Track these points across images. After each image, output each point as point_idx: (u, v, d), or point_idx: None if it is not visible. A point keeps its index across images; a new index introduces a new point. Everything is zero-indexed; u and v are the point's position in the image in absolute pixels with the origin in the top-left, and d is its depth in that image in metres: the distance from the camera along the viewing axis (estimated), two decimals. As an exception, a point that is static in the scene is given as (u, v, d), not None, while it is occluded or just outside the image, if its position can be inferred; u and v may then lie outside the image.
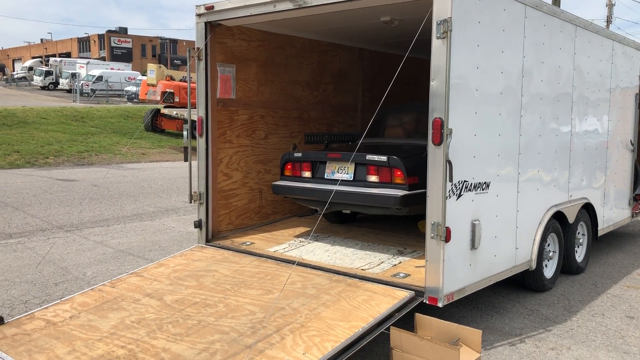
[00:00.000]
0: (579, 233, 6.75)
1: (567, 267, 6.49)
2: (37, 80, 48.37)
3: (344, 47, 8.00)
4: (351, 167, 5.66)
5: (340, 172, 5.74)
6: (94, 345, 3.98)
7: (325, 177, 5.85)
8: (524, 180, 5.37)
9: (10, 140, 19.10)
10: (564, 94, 5.99)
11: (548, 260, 6.07)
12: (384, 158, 5.35)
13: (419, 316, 4.19)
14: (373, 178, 5.49)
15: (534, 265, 5.58)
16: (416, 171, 5.30)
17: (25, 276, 6.39)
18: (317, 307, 4.32)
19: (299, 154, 6.05)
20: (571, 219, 6.32)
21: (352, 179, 5.63)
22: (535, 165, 5.54)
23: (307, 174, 6.00)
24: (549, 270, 6.06)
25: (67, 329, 4.27)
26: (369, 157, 5.44)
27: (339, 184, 5.58)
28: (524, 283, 5.93)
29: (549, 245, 6.03)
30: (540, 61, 5.48)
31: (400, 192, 5.22)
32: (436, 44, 4.21)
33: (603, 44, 6.84)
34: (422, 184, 5.22)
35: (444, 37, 4.15)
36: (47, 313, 4.59)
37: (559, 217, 6.08)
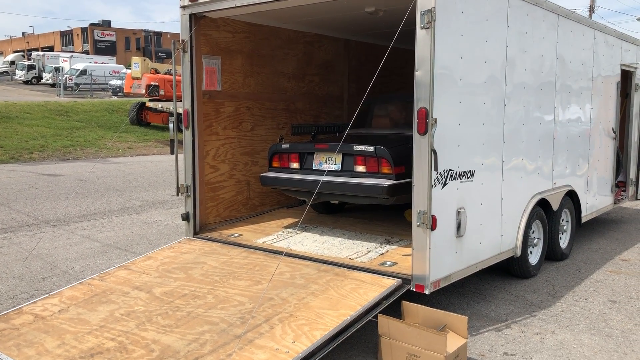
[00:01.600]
0: (563, 220, 6.85)
1: (552, 253, 6.60)
2: (20, 74, 47.72)
3: (330, 38, 8.01)
4: (338, 158, 5.71)
5: (328, 163, 5.78)
6: (84, 338, 3.99)
7: (313, 168, 5.89)
8: (509, 169, 5.44)
9: (-7, 135, 18.89)
10: (547, 82, 6.06)
11: (533, 247, 6.16)
12: (370, 148, 5.39)
13: (405, 304, 4.24)
14: (360, 168, 5.54)
15: (519, 252, 5.66)
16: (403, 161, 5.34)
17: (13, 271, 6.36)
18: (306, 296, 4.36)
19: (287, 145, 6.06)
20: (555, 206, 6.41)
21: (339, 169, 5.67)
22: (519, 153, 5.61)
23: (295, 165, 6.03)
24: (533, 257, 6.16)
25: (56, 323, 4.27)
26: (356, 147, 5.48)
27: (327, 175, 5.62)
28: (509, 269, 6.02)
29: (533, 232, 6.12)
30: (524, 50, 5.53)
31: (388, 182, 5.27)
32: (420, 34, 4.24)
33: (585, 33, 6.92)
34: (409, 173, 5.24)
35: (428, 28, 4.19)
36: (35, 307, 4.59)
37: (543, 204, 6.17)
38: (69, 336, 4.03)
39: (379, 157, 5.37)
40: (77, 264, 6.65)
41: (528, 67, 5.65)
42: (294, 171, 6.03)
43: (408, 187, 5.22)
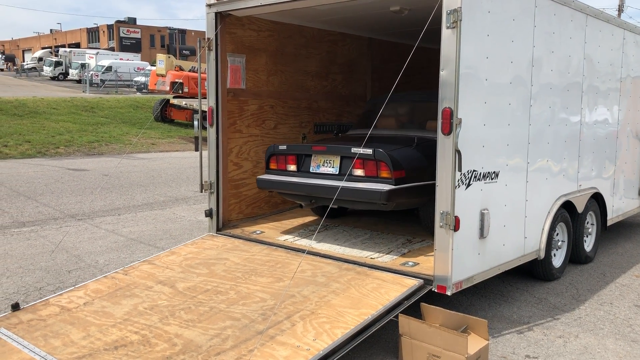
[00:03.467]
0: (587, 222, 6.76)
1: (576, 256, 6.51)
2: (47, 70, 48.61)
3: (353, 37, 8.01)
4: (337, 161, 5.48)
5: (326, 166, 5.55)
6: (108, 330, 4.06)
7: (311, 170, 5.65)
8: (533, 170, 5.39)
9: (21, 130, 19.26)
10: (574, 83, 5.98)
11: (557, 250, 6.08)
12: (369, 151, 5.13)
13: (424, 306, 4.23)
14: (359, 172, 5.28)
15: (542, 255, 5.60)
16: (404, 164, 5.15)
17: (39, 264, 6.49)
18: (327, 294, 4.38)
19: (284, 147, 5.82)
20: (580, 208, 6.32)
21: (337, 172, 5.44)
22: (544, 155, 5.55)
23: (293, 167, 5.80)
24: (557, 260, 6.08)
25: (81, 315, 4.35)
26: (354, 149, 5.24)
27: (324, 178, 5.45)
28: (532, 272, 5.96)
29: (557, 234, 6.05)
30: (550, 51, 5.47)
31: (386, 187, 5.02)
32: (446, 34, 4.22)
33: (614, 33, 6.81)
34: (411, 177, 5.17)
35: (454, 27, 4.16)
36: (61, 299, 4.68)
37: (568, 206, 6.09)
38: (93, 328, 4.11)
39: (378, 160, 5.11)
40: (101, 258, 6.76)
41: (555, 68, 5.58)
42: (291, 174, 5.78)
43: (409, 192, 5.16)
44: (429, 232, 5.52)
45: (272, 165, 5.99)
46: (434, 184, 5.16)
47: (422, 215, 5.68)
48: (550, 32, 5.42)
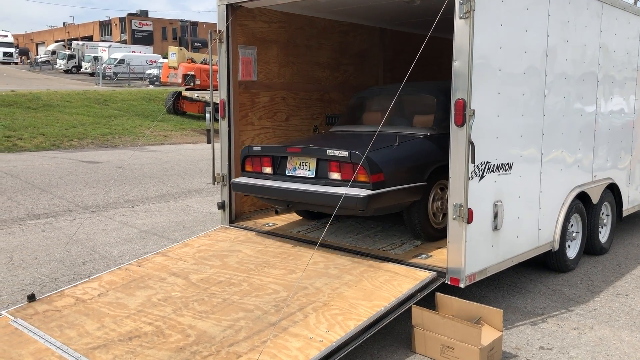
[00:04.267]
0: (603, 214, 6.69)
1: (591, 247, 6.45)
2: (60, 63, 48.94)
3: (365, 27, 7.96)
4: (313, 163, 5.08)
5: (302, 169, 5.15)
6: (122, 322, 4.09)
7: (287, 173, 5.27)
8: (548, 161, 5.33)
9: (35, 123, 19.44)
10: (589, 73, 5.90)
11: (571, 241, 6.03)
12: (345, 153, 4.73)
13: (439, 295, 4.22)
14: (335, 175, 4.91)
15: (556, 246, 5.56)
16: (384, 167, 4.77)
17: (54, 255, 6.56)
18: (340, 286, 4.38)
19: (258, 148, 5.42)
20: (595, 199, 6.26)
21: (313, 176, 5.06)
22: (559, 145, 5.49)
23: (268, 169, 5.42)
24: (572, 251, 6.04)
25: (96, 306, 4.39)
26: (330, 152, 4.84)
27: (300, 182, 5.11)
28: (546, 263, 5.92)
29: (572, 225, 6.00)
30: (565, 40, 5.40)
31: (363, 192, 4.63)
32: (459, 24, 4.17)
33: (630, 21, 6.70)
34: (392, 180, 4.81)
35: (467, 17, 4.12)
36: (76, 291, 4.73)
37: (582, 197, 6.03)
38: (108, 319, 4.15)
39: (354, 163, 4.71)
40: (115, 249, 6.81)
41: (569, 57, 5.50)
42: (267, 177, 5.41)
43: (390, 197, 4.81)
44: (415, 237, 5.41)
45: (248, 168, 5.61)
46: (419, 186, 4.94)
47: (407, 219, 5.30)
48: (565, 20, 5.34)
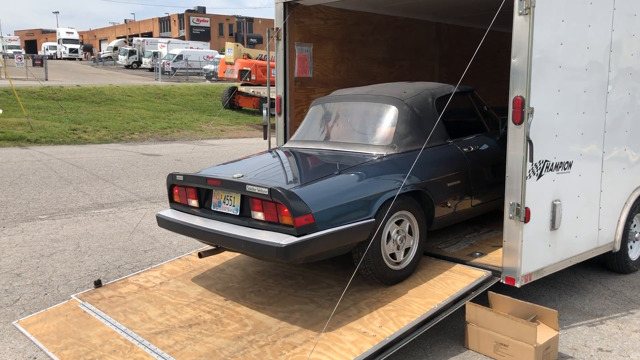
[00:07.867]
0: (668, 215, 6.42)
1: (655, 250, 6.21)
2: (122, 59, 50.72)
3: (421, 22, 7.91)
4: (237, 198, 4.22)
5: (227, 204, 4.30)
6: (183, 309, 4.27)
7: (212, 208, 4.42)
8: (609, 160, 5.18)
9: (99, 117, 20.27)
10: (656, 68, 5.68)
11: (633, 242, 5.84)
12: (264, 190, 3.82)
13: (492, 294, 4.19)
14: (259, 215, 4.02)
15: (617, 247, 5.40)
16: (314, 206, 3.80)
17: (118, 243, 6.87)
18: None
19: (181, 177, 4.57)
20: (660, 200, 6.02)
21: (238, 213, 4.20)
22: (621, 143, 5.32)
23: (194, 202, 4.56)
24: (634, 252, 5.84)
25: (157, 294, 4.60)
26: (250, 187, 3.94)
27: (225, 220, 4.25)
28: (606, 264, 5.75)
29: (635, 226, 5.80)
30: (631, 34, 5.21)
31: (284, 240, 3.70)
32: (518, 21, 4.11)
33: (702, 14, 6.38)
34: (327, 221, 3.85)
35: (527, 14, 4.05)
36: (139, 279, 4.96)
37: (646, 197, 5.81)
38: (169, 307, 4.34)
39: (276, 202, 3.83)
40: (175, 239, 7.06)
41: (635, 52, 5.31)
42: (192, 211, 4.57)
43: (326, 241, 3.84)
44: (369, 284, 4.40)
45: (176, 198, 4.76)
46: (365, 224, 4.02)
47: (355, 259, 4.22)
48: (631, 14, 5.16)
